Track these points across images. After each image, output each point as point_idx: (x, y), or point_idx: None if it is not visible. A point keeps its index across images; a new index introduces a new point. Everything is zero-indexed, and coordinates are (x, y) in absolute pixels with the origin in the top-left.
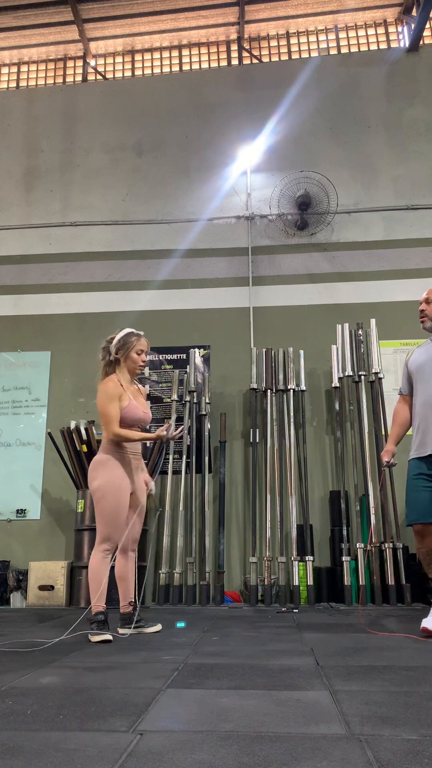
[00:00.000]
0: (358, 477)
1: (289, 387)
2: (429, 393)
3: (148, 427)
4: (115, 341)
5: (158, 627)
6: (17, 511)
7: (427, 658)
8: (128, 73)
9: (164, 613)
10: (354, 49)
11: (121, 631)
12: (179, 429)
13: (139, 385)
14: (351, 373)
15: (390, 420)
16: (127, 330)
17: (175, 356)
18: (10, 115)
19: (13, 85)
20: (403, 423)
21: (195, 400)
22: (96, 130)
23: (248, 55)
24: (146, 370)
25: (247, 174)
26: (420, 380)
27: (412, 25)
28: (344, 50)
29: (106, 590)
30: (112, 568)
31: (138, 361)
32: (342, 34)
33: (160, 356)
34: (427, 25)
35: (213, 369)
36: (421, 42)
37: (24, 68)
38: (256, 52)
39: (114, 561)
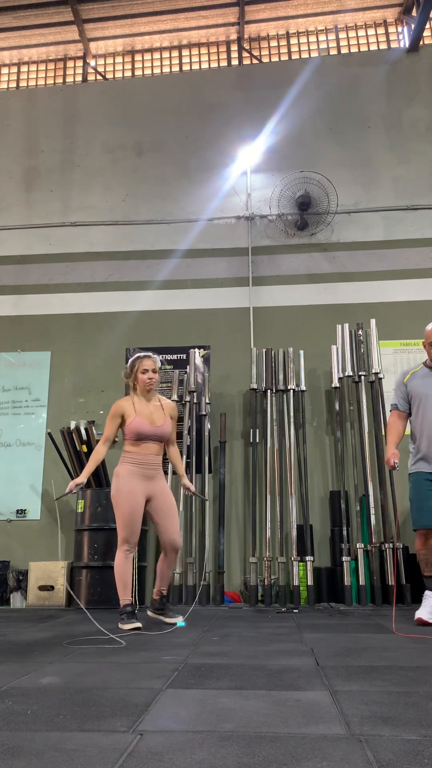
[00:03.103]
0: (358, 477)
1: (289, 387)
2: None
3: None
4: (126, 370)
5: (179, 618)
6: (17, 511)
7: (427, 658)
8: (128, 73)
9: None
10: (354, 50)
11: (149, 613)
12: (69, 489)
13: (164, 402)
14: (351, 374)
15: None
16: (134, 356)
17: (175, 356)
18: (10, 116)
19: (13, 85)
20: (399, 433)
21: (195, 401)
22: (96, 130)
23: (248, 55)
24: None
25: (247, 174)
26: (427, 406)
27: (412, 26)
28: (344, 50)
29: (130, 584)
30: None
31: (144, 379)
32: (342, 35)
33: (160, 356)
34: (427, 26)
35: (213, 369)
36: (421, 42)
37: (24, 68)
38: (256, 53)
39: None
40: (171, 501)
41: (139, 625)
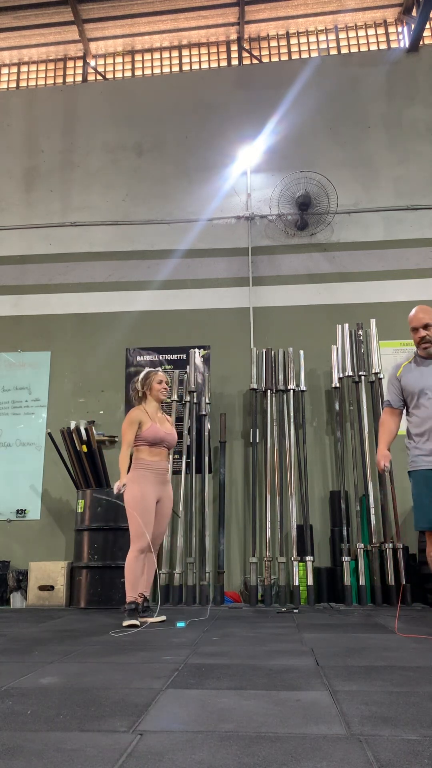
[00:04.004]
0: (358, 477)
1: (289, 387)
2: None
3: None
4: (139, 380)
5: (163, 617)
6: (17, 511)
7: (427, 658)
8: (128, 73)
9: (164, 613)
10: (354, 50)
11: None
12: (117, 489)
13: (167, 416)
14: (351, 374)
15: None
16: (146, 370)
17: (175, 356)
18: (10, 115)
19: (13, 85)
20: (392, 432)
21: (195, 401)
22: (96, 130)
23: (248, 55)
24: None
25: (247, 174)
26: (425, 398)
27: (412, 26)
28: (344, 50)
29: (138, 583)
30: None
31: (160, 389)
32: (342, 35)
33: (160, 356)
34: (427, 26)
35: (213, 369)
36: (421, 42)
37: (24, 68)
38: (256, 53)
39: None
40: (169, 510)
41: (137, 623)
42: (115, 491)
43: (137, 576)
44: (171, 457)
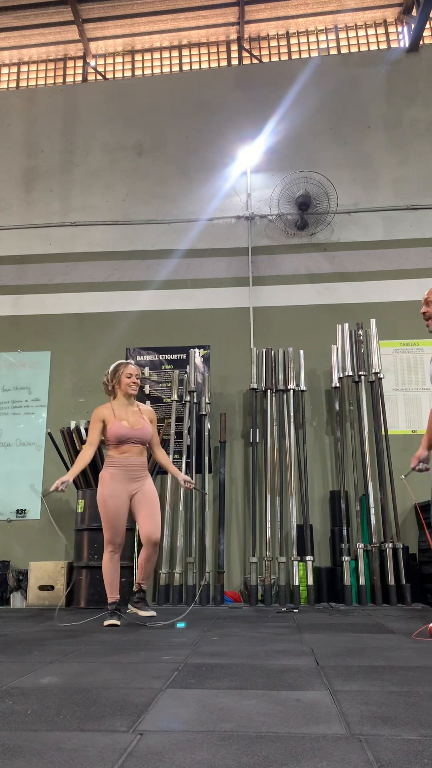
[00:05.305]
0: (358, 477)
1: (289, 387)
2: None
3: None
4: (108, 373)
5: (153, 613)
6: (17, 511)
7: (427, 658)
8: (128, 73)
9: (164, 613)
10: (354, 49)
11: (129, 607)
12: (54, 486)
13: (142, 407)
14: (351, 373)
15: (390, 420)
16: (117, 362)
17: (175, 356)
18: (10, 115)
19: (13, 85)
20: None
21: (195, 400)
22: (96, 130)
23: (248, 55)
24: (146, 370)
25: (247, 174)
26: None
27: (412, 25)
28: (344, 50)
29: (116, 583)
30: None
31: (128, 383)
32: (342, 34)
33: (160, 356)
34: (427, 25)
35: (213, 369)
36: (421, 42)
37: (24, 68)
38: (256, 52)
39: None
40: (152, 498)
41: (116, 623)
42: (53, 488)
43: (112, 576)
44: (159, 451)
